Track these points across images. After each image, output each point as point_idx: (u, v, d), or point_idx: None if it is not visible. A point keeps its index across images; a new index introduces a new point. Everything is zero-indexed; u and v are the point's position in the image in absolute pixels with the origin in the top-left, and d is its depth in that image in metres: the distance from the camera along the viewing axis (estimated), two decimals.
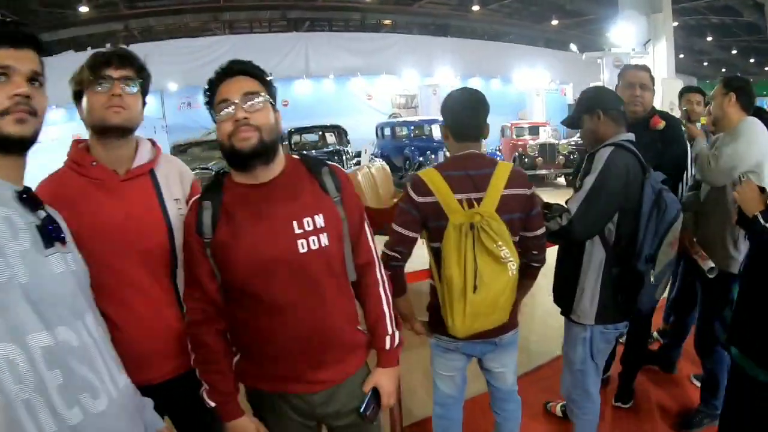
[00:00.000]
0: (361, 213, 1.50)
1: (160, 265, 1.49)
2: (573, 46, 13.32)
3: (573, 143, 14.08)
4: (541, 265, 1.99)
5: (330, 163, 1.49)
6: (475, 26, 22.30)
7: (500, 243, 1.70)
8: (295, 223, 1.35)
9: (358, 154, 11.38)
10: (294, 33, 16.62)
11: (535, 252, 1.94)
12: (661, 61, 11.37)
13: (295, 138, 11.71)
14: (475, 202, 1.77)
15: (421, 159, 11.18)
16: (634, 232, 2.00)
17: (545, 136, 12.58)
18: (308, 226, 1.36)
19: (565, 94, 19.25)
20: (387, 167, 7.23)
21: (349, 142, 11.81)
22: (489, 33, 23.24)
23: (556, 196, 3.95)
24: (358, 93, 15.89)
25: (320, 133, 11.94)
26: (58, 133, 9.05)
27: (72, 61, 1.74)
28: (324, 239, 1.37)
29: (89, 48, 14.25)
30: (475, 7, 19.35)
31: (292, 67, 15.24)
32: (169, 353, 1.50)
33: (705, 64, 28.24)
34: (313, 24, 20.31)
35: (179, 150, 11.33)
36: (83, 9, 15.21)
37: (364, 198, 6.43)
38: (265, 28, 20.31)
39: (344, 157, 10.19)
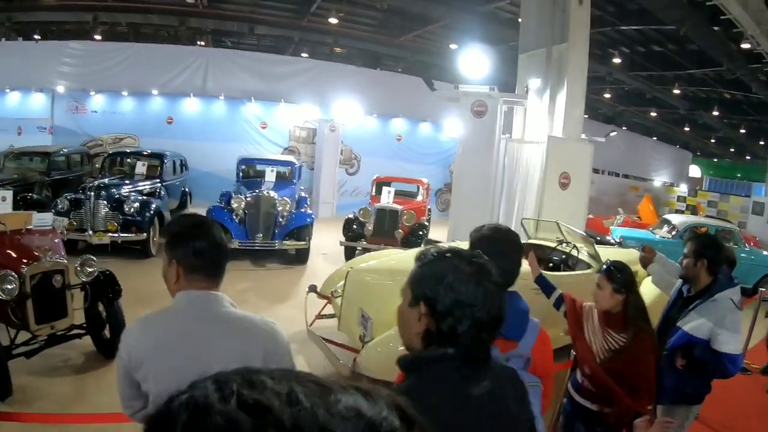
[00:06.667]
0: None
1: None
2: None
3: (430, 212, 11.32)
4: None
5: None
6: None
7: None
8: None
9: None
10: (197, 47, 15.52)
11: None
12: (559, 111, 8.07)
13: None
14: None
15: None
16: None
17: (388, 198, 9.33)
18: None
19: None
20: None
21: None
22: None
23: None
24: (252, 120, 14.72)
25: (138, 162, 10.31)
26: None
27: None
28: None
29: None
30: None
31: (188, 83, 14.15)
32: None
33: (712, 141, 25.43)
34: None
35: (8, 157, 10.50)
36: None
37: None
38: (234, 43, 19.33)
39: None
